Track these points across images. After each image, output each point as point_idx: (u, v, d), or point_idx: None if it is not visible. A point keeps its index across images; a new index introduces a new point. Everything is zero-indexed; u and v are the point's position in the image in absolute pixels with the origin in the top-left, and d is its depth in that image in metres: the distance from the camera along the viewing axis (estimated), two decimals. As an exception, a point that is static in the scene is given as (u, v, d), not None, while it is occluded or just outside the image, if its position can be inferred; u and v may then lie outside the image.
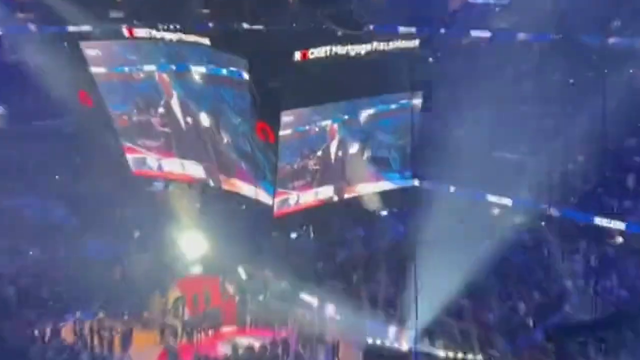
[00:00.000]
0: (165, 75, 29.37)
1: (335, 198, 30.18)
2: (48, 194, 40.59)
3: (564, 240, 33.00)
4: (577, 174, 34.50)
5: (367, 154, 30.03)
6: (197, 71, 27.95)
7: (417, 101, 29.72)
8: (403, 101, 28.48)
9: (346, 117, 28.45)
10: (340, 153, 29.16)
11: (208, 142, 29.63)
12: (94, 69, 30.21)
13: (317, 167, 28.73)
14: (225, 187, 30.71)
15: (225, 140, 28.87)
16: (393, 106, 28.88)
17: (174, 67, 28.72)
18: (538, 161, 34.90)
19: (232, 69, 26.29)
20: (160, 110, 30.64)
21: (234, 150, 28.77)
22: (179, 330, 33.82)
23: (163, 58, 28.75)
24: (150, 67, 29.59)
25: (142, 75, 29.94)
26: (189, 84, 28.86)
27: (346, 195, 30.44)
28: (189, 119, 29.75)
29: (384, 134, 29.70)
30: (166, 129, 30.85)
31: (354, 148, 29.36)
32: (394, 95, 28.82)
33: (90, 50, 29.98)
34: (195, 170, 31.38)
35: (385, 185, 31.35)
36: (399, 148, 29.94)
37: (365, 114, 28.73)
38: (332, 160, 29.31)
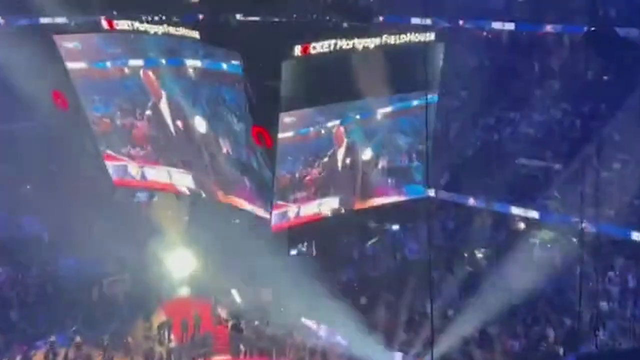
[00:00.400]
0: (151, 73, 28.76)
1: (342, 211, 29.61)
2: (18, 206, 40.29)
3: (598, 258, 32.53)
4: (614, 184, 34.05)
5: (383, 161, 29.27)
6: (192, 66, 27.15)
7: (432, 102, 29.16)
8: (419, 100, 27.65)
9: (357, 116, 27.72)
10: (349, 160, 28.44)
11: (204, 152, 28.93)
12: (71, 65, 29.52)
13: (322, 176, 28.17)
14: (220, 200, 30.12)
15: (224, 150, 28.17)
16: (414, 102, 27.95)
17: (164, 62, 27.99)
18: (568, 169, 34.49)
19: (233, 62, 25.62)
20: (148, 112, 30.05)
21: (235, 163, 28.01)
22: (165, 358, 33.41)
23: (151, 51, 28.05)
24: (136, 62, 28.92)
25: (126, 71, 29.33)
26: (182, 82, 28.07)
27: (354, 208, 29.84)
28: (179, 123, 29.12)
29: (403, 136, 28.95)
30: (153, 134, 30.30)
31: (366, 154, 28.66)
32: (407, 95, 28.21)
33: (67, 43, 29.28)
34: (184, 181, 30.85)
35: (399, 197, 30.79)
36: (420, 154, 29.12)
37: (380, 113, 27.94)
38: (339, 168, 28.64)
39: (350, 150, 28.16)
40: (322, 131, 27.17)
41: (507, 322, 32.06)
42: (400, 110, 28.10)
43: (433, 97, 27.91)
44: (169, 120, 29.65)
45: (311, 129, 26.98)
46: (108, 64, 29.37)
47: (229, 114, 27.26)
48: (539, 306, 32.71)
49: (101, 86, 30.22)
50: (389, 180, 29.55)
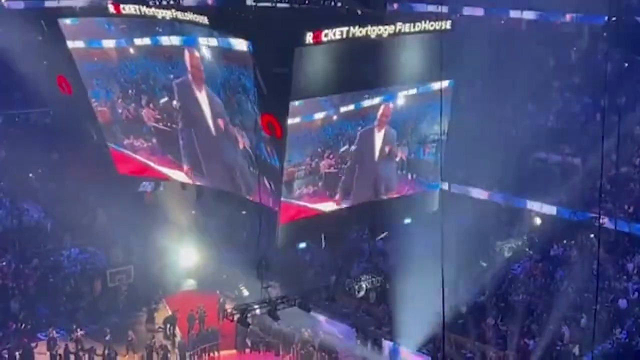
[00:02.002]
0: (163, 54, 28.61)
1: (355, 203, 29.46)
2: (20, 195, 40.40)
3: (616, 254, 32.46)
4: (633, 179, 33.94)
5: (402, 151, 29.05)
6: (209, 45, 26.81)
7: (447, 92, 29.00)
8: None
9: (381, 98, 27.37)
10: (367, 150, 28.20)
11: (221, 147, 28.73)
12: (72, 44, 29.41)
13: (335, 167, 28.04)
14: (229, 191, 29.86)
15: (241, 145, 27.99)
16: (431, 91, 27.61)
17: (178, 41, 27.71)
18: (586, 163, 34.41)
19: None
20: (163, 100, 29.85)
21: (253, 159, 27.82)
22: (170, 354, 33.44)
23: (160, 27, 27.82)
24: (143, 41, 28.73)
25: (132, 51, 29.17)
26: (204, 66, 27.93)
27: (368, 200, 29.68)
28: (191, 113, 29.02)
29: (426, 124, 28.61)
30: (160, 125, 30.05)
31: (386, 143, 28.43)
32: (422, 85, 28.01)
33: (69, 22, 29.17)
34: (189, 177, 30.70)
35: (410, 189, 30.65)
36: (436, 147, 28.83)
37: (403, 96, 27.56)
38: (355, 159, 28.46)
39: (369, 139, 27.91)
40: (336, 117, 26.98)
41: (521, 320, 31.95)
42: (425, 94, 27.81)
43: (449, 86, 27.71)
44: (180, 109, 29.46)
45: (323, 116, 26.79)
46: (112, 43, 29.12)
47: (248, 103, 27.09)
48: (554, 304, 32.58)
49: (104, 70, 30.06)
50: (407, 173, 29.32)
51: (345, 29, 25.10)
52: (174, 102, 28.51)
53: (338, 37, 25.11)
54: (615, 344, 30.81)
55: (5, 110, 40.58)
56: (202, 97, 27.69)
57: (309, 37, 24.76)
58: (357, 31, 25.39)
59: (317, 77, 24.95)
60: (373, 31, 25.68)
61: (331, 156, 26.81)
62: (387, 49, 26.02)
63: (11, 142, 40.87)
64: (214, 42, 26.32)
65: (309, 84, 25.02)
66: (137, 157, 30.94)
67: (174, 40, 27.54)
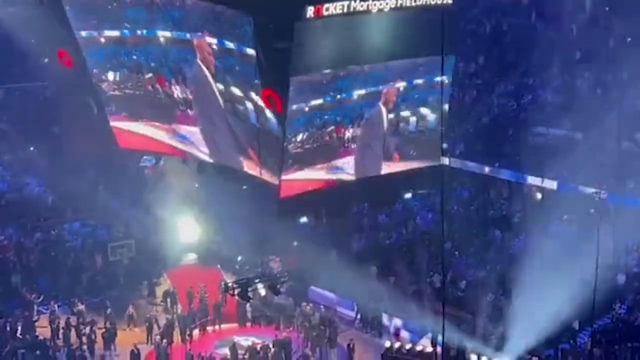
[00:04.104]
0: (162, 38, 28.85)
1: (353, 178, 29.54)
2: (21, 168, 40.42)
3: (616, 230, 32.45)
4: (635, 154, 33.89)
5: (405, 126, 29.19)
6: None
7: (449, 66, 29.02)
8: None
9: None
10: (369, 125, 28.31)
11: (216, 115, 28.94)
12: (79, 32, 29.64)
13: (334, 140, 28.12)
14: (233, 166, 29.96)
15: (239, 114, 28.21)
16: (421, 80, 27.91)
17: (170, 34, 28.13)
18: (588, 138, 34.33)
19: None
20: (152, 74, 30.04)
21: (248, 126, 28.02)
22: (170, 327, 33.50)
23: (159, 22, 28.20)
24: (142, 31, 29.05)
25: (136, 37, 29.39)
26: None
27: (367, 175, 29.76)
28: (189, 88, 29.20)
29: (427, 99, 28.73)
30: (161, 97, 30.23)
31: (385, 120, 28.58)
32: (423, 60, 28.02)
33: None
34: (195, 146, 30.76)
35: (411, 163, 30.74)
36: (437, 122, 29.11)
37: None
38: (354, 135, 28.58)
39: (376, 117, 28.07)
40: (339, 96, 27.07)
41: (520, 294, 32.01)
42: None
43: (449, 61, 27.75)
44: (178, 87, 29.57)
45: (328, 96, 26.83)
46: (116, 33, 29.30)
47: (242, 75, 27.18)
48: (554, 280, 32.62)
49: (107, 50, 30.16)
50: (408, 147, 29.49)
51: (346, 3, 25.16)
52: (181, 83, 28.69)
53: (339, 11, 25.15)
54: (615, 319, 30.90)
55: (5, 84, 40.44)
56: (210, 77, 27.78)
57: (310, 12, 24.79)
58: (358, 5, 25.41)
59: (318, 51, 24.99)
60: (374, 5, 25.71)
61: (328, 128, 26.97)
62: (388, 23, 26.04)
63: (11, 116, 40.83)
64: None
65: (309, 58, 25.07)
66: (139, 130, 31.08)
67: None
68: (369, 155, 28.82)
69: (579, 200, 32.87)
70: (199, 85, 28.23)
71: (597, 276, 26.69)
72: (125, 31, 29.00)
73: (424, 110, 29.25)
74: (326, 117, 26.93)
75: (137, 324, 33.56)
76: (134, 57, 29.64)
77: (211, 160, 31.17)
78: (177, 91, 29.51)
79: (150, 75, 29.80)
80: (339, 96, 26.29)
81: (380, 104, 27.60)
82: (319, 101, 26.54)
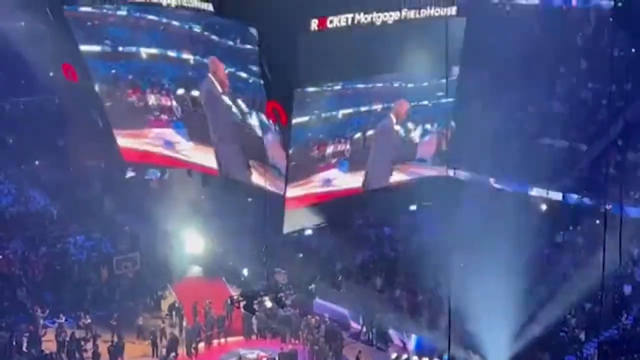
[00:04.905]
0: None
1: (362, 190, 29.56)
2: (26, 182, 40.55)
3: (623, 241, 32.46)
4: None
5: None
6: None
7: (453, 78, 29.10)
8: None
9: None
10: (380, 136, 28.33)
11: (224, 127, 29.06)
12: (83, 47, 29.77)
13: (341, 153, 28.15)
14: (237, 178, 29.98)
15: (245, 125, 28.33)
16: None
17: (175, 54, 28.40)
18: (593, 149, 34.42)
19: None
20: (160, 87, 30.13)
21: (255, 137, 28.15)
22: (175, 340, 33.53)
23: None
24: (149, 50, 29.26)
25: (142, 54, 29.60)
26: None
27: (376, 186, 29.79)
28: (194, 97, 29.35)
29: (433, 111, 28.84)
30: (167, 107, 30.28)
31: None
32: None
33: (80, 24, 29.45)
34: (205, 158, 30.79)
35: (416, 174, 30.75)
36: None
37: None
38: (360, 146, 28.57)
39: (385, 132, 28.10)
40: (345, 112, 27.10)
41: (526, 306, 32.03)
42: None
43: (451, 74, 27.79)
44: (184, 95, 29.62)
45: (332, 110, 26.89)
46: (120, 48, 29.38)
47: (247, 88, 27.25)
48: (559, 291, 32.66)
49: (112, 63, 30.21)
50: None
51: (350, 15, 25.18)
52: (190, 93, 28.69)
53: (343, 24, 25.17)
54: (621, 330, 30.91)
55: (11, 98, 40.65)
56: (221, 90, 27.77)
57: (314, 24, 24.83)
58: (363, 18, 25.45)
59: (322, 64, 25.01)
60: (378, 18, 25.74)
61: (341, 141, 26.94)
62: (393, 35, 26.09)
63: (17, 129, 41.02)
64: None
65: (313, 71, 25.10)
66: (144, 146, 31.07)
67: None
68: (379, 167, 28.84)
69: (585, 211, 32.92)
70: (210, 99, 28.31)
71: (603, 287, 26.73)
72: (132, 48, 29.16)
73: (428, 123, 29.25)
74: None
75: (144, 336, 33.59)
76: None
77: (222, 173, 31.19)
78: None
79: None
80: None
81: (392, 115, 27.64)
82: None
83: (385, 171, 28.90)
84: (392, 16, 25.98)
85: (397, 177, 29.68)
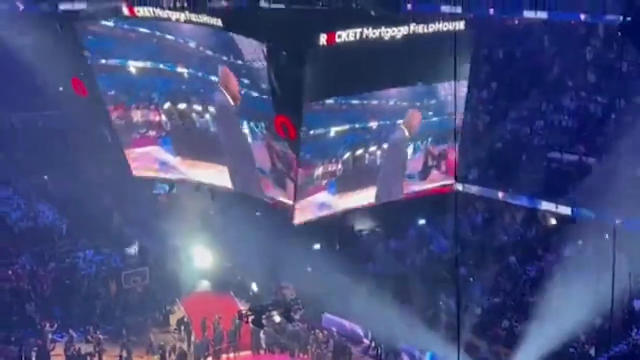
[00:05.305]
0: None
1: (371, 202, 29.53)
2: (35, 196, 40.65)
3: (632, 257, 32.40)
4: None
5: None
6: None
7: (461, 93, 29.14)
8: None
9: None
10: (393, 149, 28.30)
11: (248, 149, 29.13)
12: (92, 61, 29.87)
13: (349, 169, 28.18)
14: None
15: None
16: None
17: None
18: (603, 163, 34.36)
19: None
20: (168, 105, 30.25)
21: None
22: (184, 356, 33.56)
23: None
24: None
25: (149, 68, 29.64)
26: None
27: (390, 199, 29.75)
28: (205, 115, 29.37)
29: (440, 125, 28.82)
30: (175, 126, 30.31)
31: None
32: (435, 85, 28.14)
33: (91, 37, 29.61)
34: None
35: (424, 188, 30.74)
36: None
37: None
38: (368, 162, 28.57)
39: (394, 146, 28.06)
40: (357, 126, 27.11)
41: (534, 321, 31.99)
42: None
43: (460, 89, 27.78)
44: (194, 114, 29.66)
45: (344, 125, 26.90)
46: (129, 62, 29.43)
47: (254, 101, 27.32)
48: (569, 307, 32.55)
49: (121, 79, 30.28)
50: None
51: (358, 30, 25.25)
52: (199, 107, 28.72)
53: (352, 38, 25.25)
54: (631, 345, 30.79)
55: (21, 113, 40.80)
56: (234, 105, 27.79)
57: (323, 39, 24.92)
58: (371, 32, 25.52)
59: (331, 78, 25.09)
60: (387, 32, 25.79)
61: (344, 156, 26.91)
62: (401, 49, 26.15)
63: (26, 144, 41.15)
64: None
65: (322, 85, 25.17)
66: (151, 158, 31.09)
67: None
68: (392, 181, 28.83)
69: (594, 226, 32.85)
70: (221, 113, 28.38)
71: (613, 302, 26.62)
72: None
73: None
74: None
75: (153, 351, 33.61)
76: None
77: (224, 186, 31.18)
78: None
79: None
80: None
81: (403, 127, 27.66)
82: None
83: (399, 184, 28.87)
84: (400, 30, 26.03)
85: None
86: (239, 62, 26.49)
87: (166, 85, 28.62)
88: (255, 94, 26.77)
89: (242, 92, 26.97)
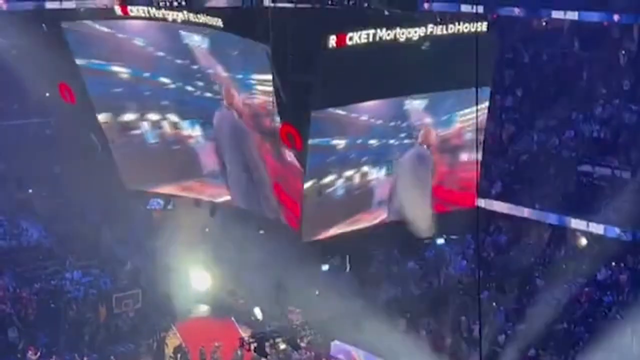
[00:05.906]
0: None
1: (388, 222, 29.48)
2: (18, 212, 40.65)
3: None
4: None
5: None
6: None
7: (483, 100, 29.05)
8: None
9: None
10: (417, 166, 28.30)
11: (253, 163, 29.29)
12: (79, 61, 29.91)
13: (363, 184, 28.14)
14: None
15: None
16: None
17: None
18: (637, 177, 34.28)
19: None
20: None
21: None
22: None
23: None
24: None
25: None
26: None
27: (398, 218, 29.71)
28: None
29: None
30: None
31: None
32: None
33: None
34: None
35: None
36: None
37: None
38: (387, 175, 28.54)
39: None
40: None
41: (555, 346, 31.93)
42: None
43: (484, 95, 27.67)
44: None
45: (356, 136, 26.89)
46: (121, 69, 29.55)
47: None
48: (597, 331, 32.44)
49: (112, 86, 30.35)
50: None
51: (371, 31, 25.13)
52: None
53: (364, 40, 25.14)
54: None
55: (3, 121, 40.76)
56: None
57: (332, 41, 24.84)
58: (385, 34, 25.41)
59: (341, 84, 25.00)
60: (402, 34, 25.68)
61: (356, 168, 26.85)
62: (418, 53, 26.07)
63: (8, 155, 41.10)
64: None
65: (331, 92, 25.08)
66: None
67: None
68: (421, 198, 28.71)
69: (628, 246, 32.76)
70: (225, 129, 28.42)
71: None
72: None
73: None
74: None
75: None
76: None
77: (225, 201, 31.18)
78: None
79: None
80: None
81: (422, 143, 27.57)
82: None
83: (428, 200, 28.78)
84: (417, 32, 25.92)
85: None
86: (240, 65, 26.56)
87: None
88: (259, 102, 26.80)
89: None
